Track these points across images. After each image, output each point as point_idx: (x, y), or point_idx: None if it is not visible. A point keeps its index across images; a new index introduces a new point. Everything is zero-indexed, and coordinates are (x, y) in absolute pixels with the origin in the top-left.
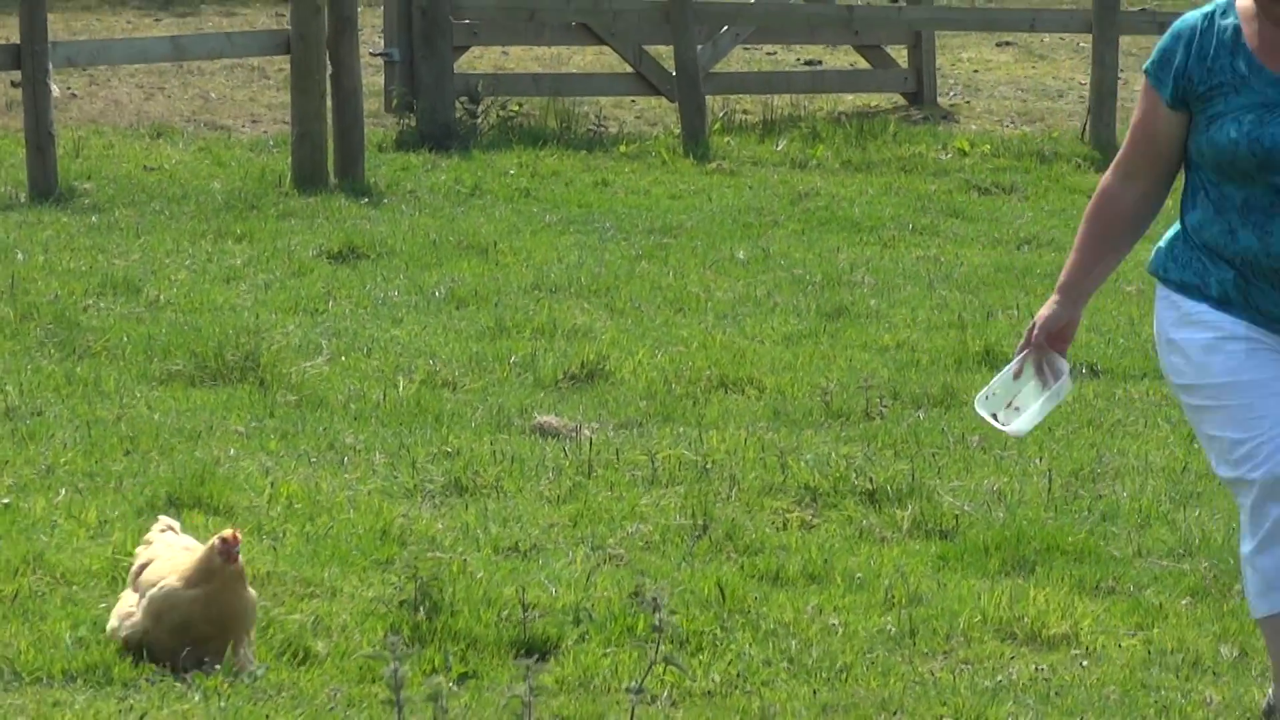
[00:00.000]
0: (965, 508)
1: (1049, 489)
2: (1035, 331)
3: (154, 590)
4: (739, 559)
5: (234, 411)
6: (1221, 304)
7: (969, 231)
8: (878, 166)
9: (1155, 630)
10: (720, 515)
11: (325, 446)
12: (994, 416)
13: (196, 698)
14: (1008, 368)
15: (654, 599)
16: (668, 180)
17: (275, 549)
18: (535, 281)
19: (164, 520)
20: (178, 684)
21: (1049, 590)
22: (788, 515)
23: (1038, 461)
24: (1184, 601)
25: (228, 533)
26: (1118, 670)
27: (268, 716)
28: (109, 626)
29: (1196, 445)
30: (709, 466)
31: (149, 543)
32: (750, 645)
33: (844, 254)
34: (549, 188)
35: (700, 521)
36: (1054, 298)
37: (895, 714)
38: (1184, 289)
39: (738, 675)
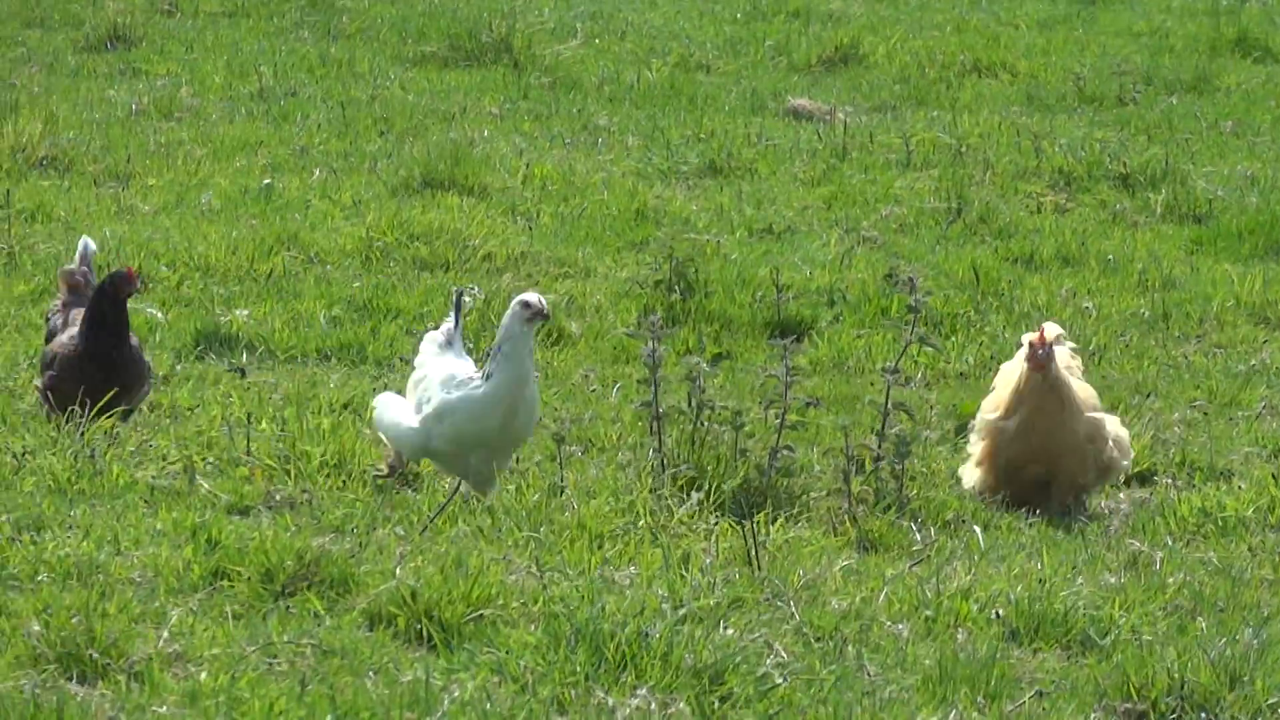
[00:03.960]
0: (1219, 192)
1: None
2: None
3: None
4: (993, 242)
5: (488, 93)
6: None
7: None
8: None
9: None
10: (974, 198)
11: (579, 128)
12: None
13: None
14: None
15: (910, 279)
16: None
17: (530, 229)
18: None
19: (1053, 327)
20: None
21: None
22: (1041, 199)
23: None
24: None
25: (1033, 335)
26: None
27: None
28: None
29: None
30: (963, 150)
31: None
32: (1004, 328)
33: None
34: None
35: (954, 204)
36: None
37: (1149, 396)
38: None
39: (991, 357)
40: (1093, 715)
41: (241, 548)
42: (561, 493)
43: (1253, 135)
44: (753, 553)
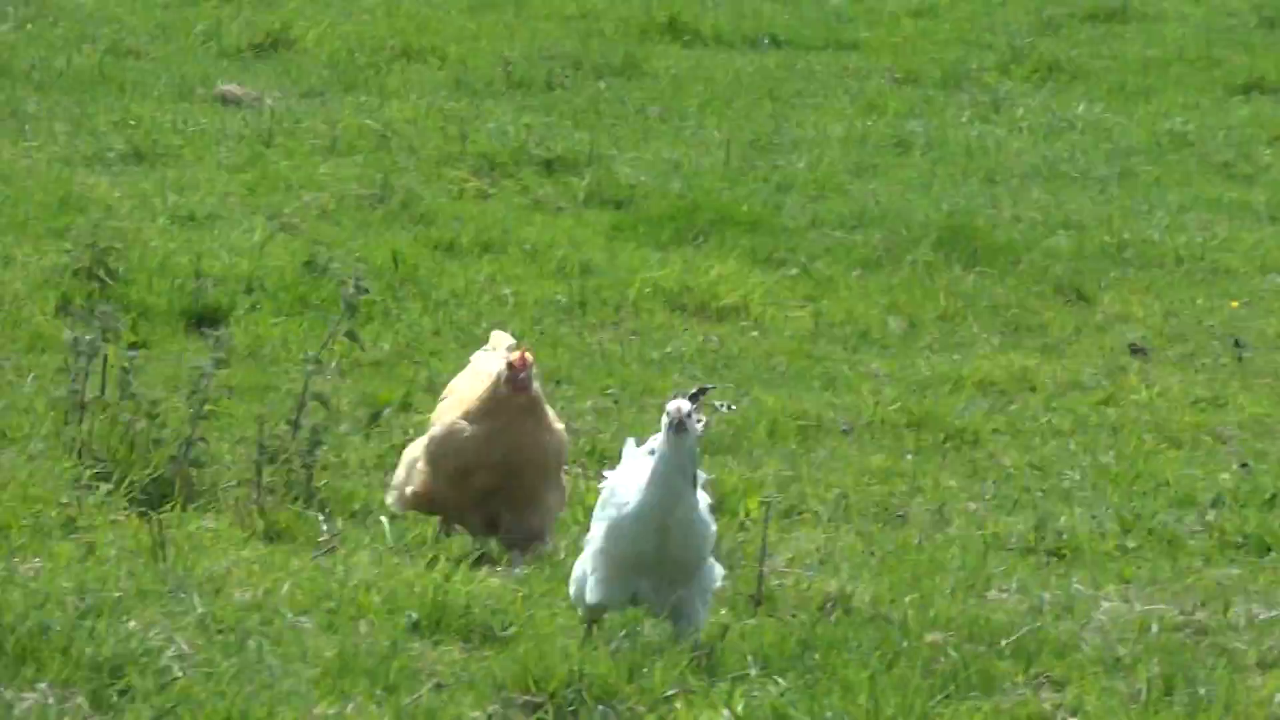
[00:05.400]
0: (641, 178)
1: (726, 159)
2: None
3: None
4: (414, 228)
5: None
6: None
7: None
8: None
9: (825, 302)
10: (398, 184)
11: (7, 114)
12: None
13: None
14: None
15: (356, 281)
16: None
17: None
18: None
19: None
20: None
21: (721, 261)
22: (465, 185)
23: (716, 133)
24: (855, 273)
25: (514, 354)
26: (786, 341)
27: None
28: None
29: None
30: (389, 135)
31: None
32: (421, 315)
33: None
34: None
35: (378, 191)
36: None
37: (561, 384)
38: None
39: (407, 345)
40: (490, 707)
41: None
42: None
43: (679, 120)
44: (159, 544)
